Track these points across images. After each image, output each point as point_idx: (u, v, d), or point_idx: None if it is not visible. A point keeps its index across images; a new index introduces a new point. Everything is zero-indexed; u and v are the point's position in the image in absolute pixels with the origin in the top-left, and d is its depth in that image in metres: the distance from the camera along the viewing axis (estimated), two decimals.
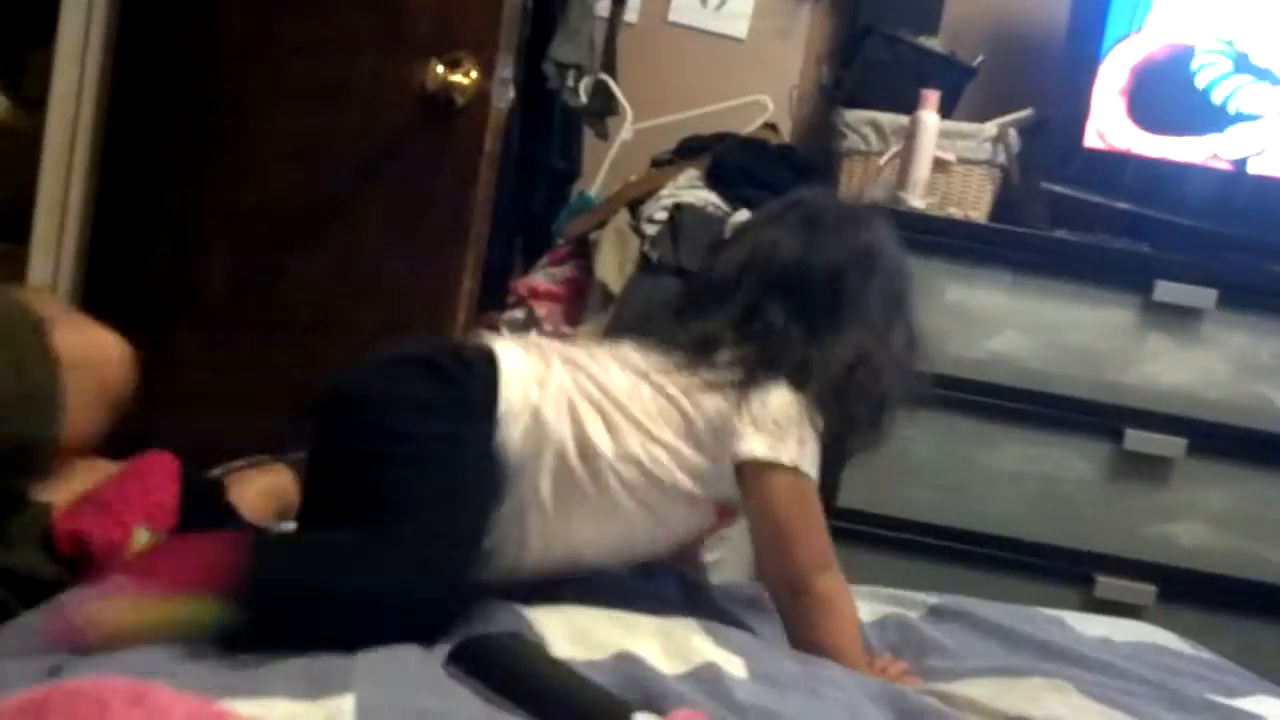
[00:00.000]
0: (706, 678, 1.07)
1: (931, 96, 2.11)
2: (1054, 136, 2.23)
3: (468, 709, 0.93)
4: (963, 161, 2.22)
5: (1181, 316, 2.07)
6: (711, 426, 1.25)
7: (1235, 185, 2.18)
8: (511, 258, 2.47)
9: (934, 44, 2.40)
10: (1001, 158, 2.23)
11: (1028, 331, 2.08)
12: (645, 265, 2.18)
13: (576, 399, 1.24)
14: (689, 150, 2.36)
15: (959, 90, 2.34)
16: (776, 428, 1.24)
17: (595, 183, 2.47)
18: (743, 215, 2.19)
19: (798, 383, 1.26)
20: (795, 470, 1.23)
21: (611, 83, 2.47)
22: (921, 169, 2.10)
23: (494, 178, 2.01)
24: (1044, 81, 2.34)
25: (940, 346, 2.08)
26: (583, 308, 2.22)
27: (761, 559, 1.28)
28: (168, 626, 1.00)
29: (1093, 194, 2.15)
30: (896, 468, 2.08)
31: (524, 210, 2.44)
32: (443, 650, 1.02)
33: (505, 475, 1.20)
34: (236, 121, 2.04)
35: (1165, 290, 2.06)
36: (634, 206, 2.26)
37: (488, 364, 1.23)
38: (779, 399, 1.25)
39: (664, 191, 2.24)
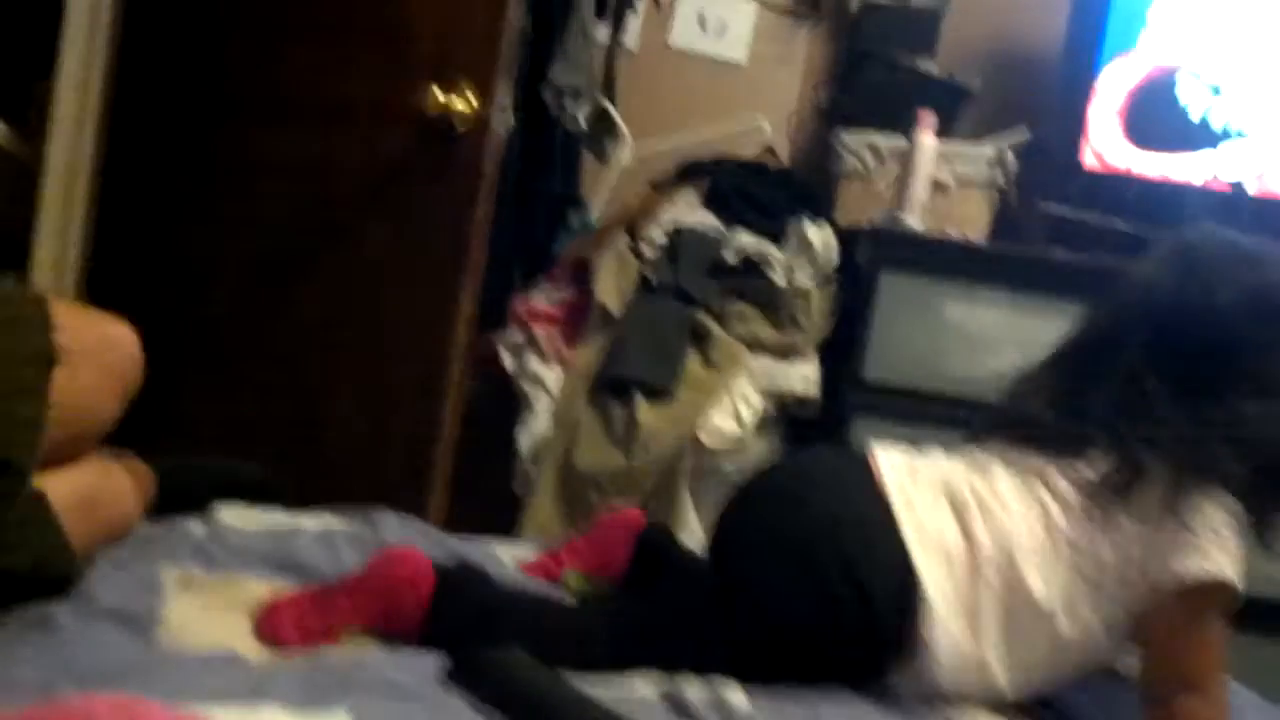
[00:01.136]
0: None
1: (928, 118, 2.13)
2: (1051, 157, 2.24)
3: None
4: (961, 183, 2.23)
5: None
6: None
7: (1233, 206, 2.19)
8: (511, 280, 2.48)
9: (931, 66, 2.42)
10: (999, 178, 2.24)
11: (1028, 350, 2.07)
12: (644, 287, 2.19)
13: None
14: (688, 173, 2.37)
15: (956, 112, 2.35)
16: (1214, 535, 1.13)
17: (595, 206, 2.48)
18: (740, 236, 2.21)
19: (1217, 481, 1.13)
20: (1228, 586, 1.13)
21: (610, 107, 2.48)
22: (919, 190, 2.11)
23: (493, 202, 2.02)
24: (1041, 102, 2.36)
25: (941, 366, 2.11)
26: (582, 329, 2.23)
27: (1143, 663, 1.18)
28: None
29: (1091, 214, 2.15)
30: None
31: (523, 234, 2.45)
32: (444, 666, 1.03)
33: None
34: (237, 147, 2.05)
35: None
36: (633, 229, 2.28)
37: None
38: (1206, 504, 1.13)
39: (663, 214, 2.26)
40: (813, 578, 1.12)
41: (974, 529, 1.16)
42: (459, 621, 1.08)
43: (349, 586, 1.11)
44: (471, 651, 1.00)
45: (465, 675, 0.98)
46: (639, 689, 1.08)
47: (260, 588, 1.16)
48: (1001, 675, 1.15)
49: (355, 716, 0.91)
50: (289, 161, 2.04)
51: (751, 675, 1.10)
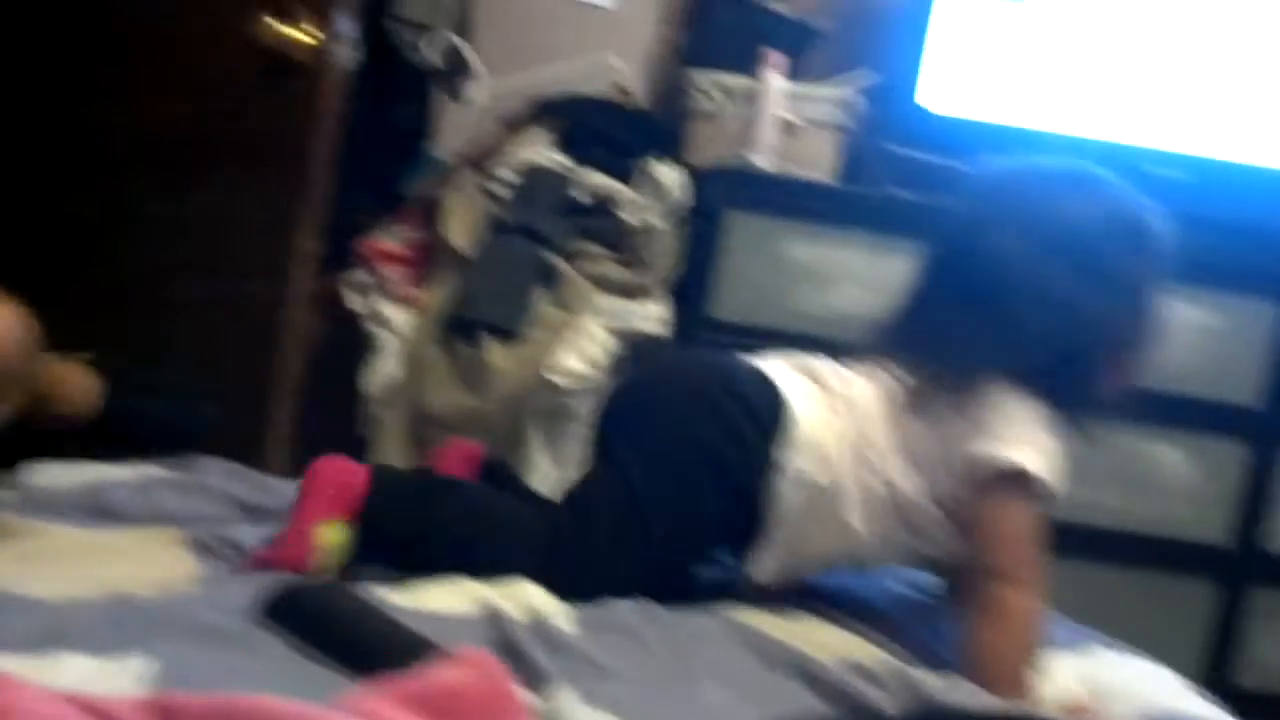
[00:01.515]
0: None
1: (775, 58, 2.13)
2: (895, 98, 2.27)
3: (277, 663, 0.92)
4: (809, 123, 2.24)
5: None
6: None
7: (1068, 149, 2.24)
8: (360, 220, 2.43)
9: (782, 7, 2.42)
10: (845, 119, 2.26)
11: (868, 288, 2.11)
12: (494, 227, 2.17)
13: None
14: (540, 112, 2.34)
15: (806, 53, 2.36)
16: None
17: (446, 144, 2.44)
18: (591, 175, 2.19)
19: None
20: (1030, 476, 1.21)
21: (463, 43, 2.44)
22: (766, 131, 2.12)
23: (336, 138, 1.98)
24: (887, 43, 2.38)
25: (788, 304, 2.14)
26: (431, 270, 2.20)
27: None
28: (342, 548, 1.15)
29: (932, 155, 2.19)
30: None
31: (373, 172, 2.40)
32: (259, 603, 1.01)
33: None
34: (69, 83, 1.97)
35: None
36: (483, 168, 2.25)
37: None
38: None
39: (512, 151, 2.23)
40: (700, 399, 1.26)
41: (829, 384, 1.30)
42: (397, 501, 1.20)
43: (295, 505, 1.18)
44: (287, 588, 0.99)
45: (280, 612, 0.97)
46: (462, 604, 1.10)
47: (71, 535, 1.13)
48: (855, 515, 1.25)
49: (157, 661, 0.88)
50: (119, 97, 1.97)
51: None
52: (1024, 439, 1.21)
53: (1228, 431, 2.19)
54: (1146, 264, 1.29)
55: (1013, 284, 1.23)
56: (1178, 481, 2.19)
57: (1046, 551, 1.24)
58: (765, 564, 1.28)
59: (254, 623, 0.98)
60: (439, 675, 0.59)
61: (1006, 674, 1.17)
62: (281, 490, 1.33)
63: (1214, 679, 2.17)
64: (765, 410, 1.25)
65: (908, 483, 1.26)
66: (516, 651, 1.03)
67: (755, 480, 1.25)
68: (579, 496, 1.27)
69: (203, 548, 1.14)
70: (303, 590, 0.98)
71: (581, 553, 1.22)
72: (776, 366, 1.31)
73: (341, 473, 1.19)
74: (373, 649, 0.87)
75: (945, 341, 1.26)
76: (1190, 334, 2.16)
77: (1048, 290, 1.23)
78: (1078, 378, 1.25)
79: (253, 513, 1.25)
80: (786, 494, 1.25)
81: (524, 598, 1.14)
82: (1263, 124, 2.28)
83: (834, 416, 1.27)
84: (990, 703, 1.07)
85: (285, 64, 1.88)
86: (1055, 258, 1.24)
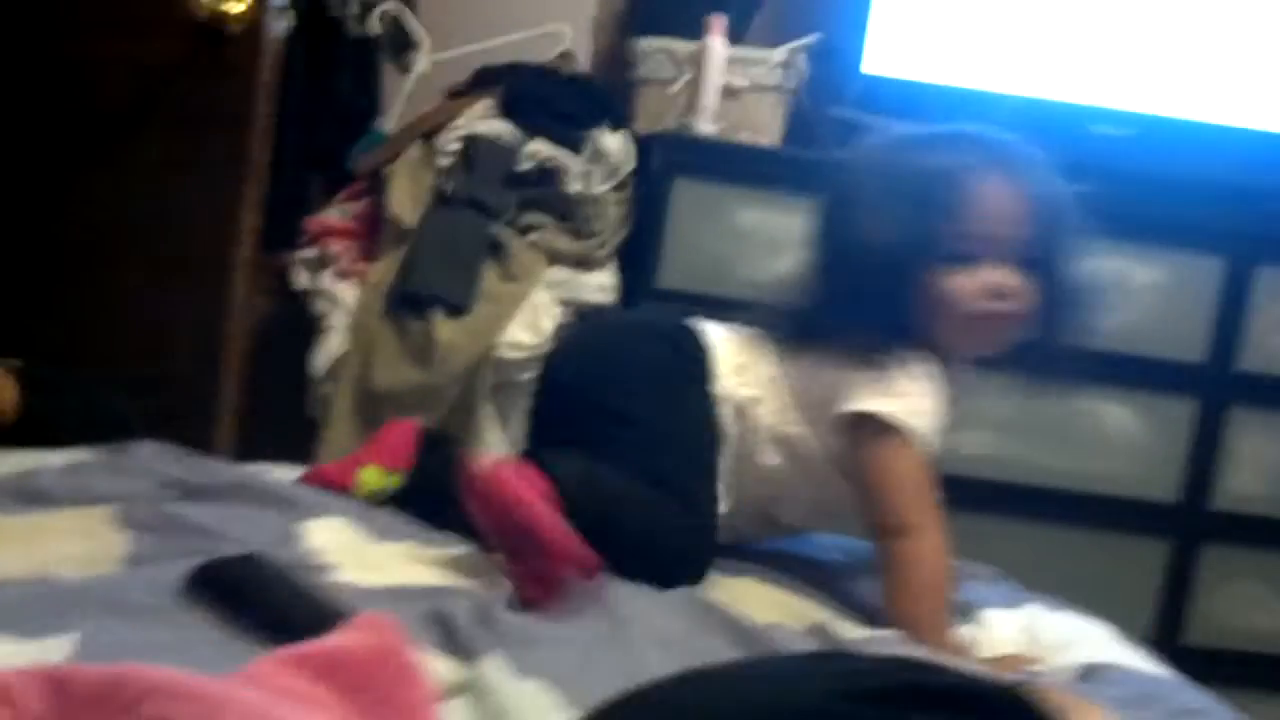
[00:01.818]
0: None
1: (718, 22, 2.12)
2: (839, 62, 2.26)
3: (198, 637, 0.91)
4: (754, 87, 2.23)
5: None
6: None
7: (1012, 108, 2.24)
8: (307, 195, 2.40)
9: None
10: (791, 83, 2.25)
11: None
12: (439, 198, 2.15)
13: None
14: (483, 81, 2.32)
15: (750, 16, 2.35)
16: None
17: (392, 116, 2.41)
18: (536, 145, 2.18)
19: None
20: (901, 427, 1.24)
21: (406, 13, 2.41)
22: (710, 96, 2.11)
23: (273, 110, 1.95)
24: (831, 6, 2.37)
25: (734, 271, 2.13)
26: (377, 243, 2.18)
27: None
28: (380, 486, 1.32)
29: (878, 118, 2.18)
30: None
31: (317, 146, 2.38)
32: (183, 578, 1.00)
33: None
34: (10, 56, 1.94)
35: None
36: (428, 139, 2.22)
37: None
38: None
39: (458, 123, 2.21)
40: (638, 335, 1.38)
41: (742, 341, 1.36)
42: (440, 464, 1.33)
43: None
44: (211, 561, 0.98)
45: (205, 585, 0.96)
46: (408, 576, 1.09)
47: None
48: (768, 451, 1.30)
49: (83, 641, 0.87)
50: (51, 70, 1.93)
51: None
52: (889, 390, 1.25)
53: (1176, 389, 2.20)
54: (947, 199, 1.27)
55: (839, 240, 1.31)
56: (1127, 440, 2.20)
57: (937, 496, 1.26)
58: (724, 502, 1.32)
59: (179, 598, 0.97)
60: (333, 640, 0.58)
61: (918, 626, 1.19)
62: (217, 469, 1.31)
63: (1165, 637, 2.19)
64: (692, 348, 1.33)
65: (807, 440, 1.30)
66: (449, 623, 1.02)
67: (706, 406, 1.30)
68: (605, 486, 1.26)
69: (134, 524, 1.12)
70: (226, 564, 0.97)
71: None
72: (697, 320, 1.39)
73: (401, 431, 1.39)
74: (289, 619, 0.86)
75: (816, 306, 1.32)
76: (1138, 292, 2.17)
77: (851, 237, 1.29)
78: (902, 312, 1.28)
79: (187, 490, 1.24)
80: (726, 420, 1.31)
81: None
82: (1207, 79, 2.29)
83: (748, 365, 1.33)
84: (903, 652, 1.07)
85: (218, 35, 1.85)
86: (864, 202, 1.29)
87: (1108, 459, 2.19)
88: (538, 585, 1.10)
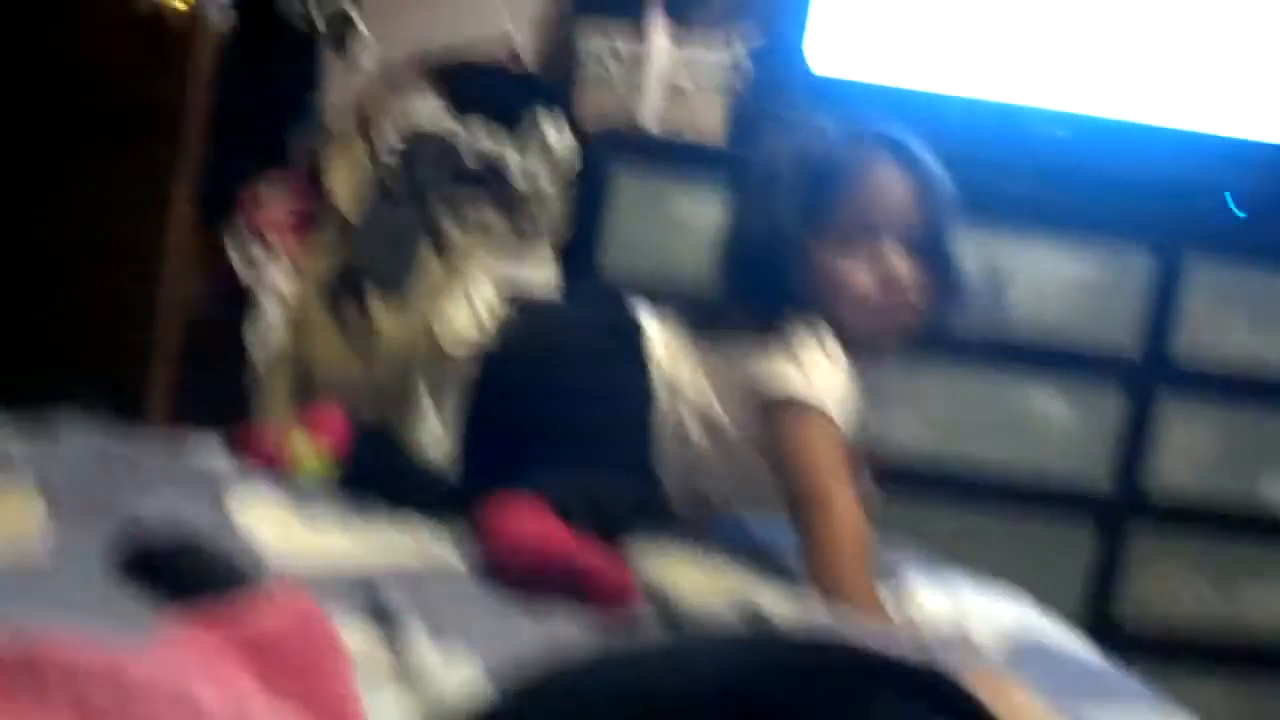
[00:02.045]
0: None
1: (660, 20, 2.13)
2: (782, 60, 2.28)
3: (123, 611, 0.90)
4: (698, 86, 2.25)
5: None
6: None
7: (956, 109, 2.28)
8: (246, 186, 2.39)
9: None
10: (733, 82, 2.27)
11: None
12: (379, 190, 2.15)
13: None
14: (427, 74, 2.32)
15: (694, 14, 2.36)
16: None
17: (334, 108, 2.41)
18: (479, 138, 2.18)
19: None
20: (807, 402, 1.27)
21: (350, 6, 2.40)
22: (653, 93, 2.12)
23: (211, 101, 1.95)
24: (773, 4, 2.39)
25: (676, 267, 2.14)
26: (316, 233, 2.18)
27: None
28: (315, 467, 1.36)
29: (820, 118, 2.20)
30: None
31: (258, 135, 2.37)
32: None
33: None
34: None
35: None
36: (369, 129, 2.22)
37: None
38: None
39: (399, 114, 2.21)
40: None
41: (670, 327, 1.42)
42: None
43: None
44: (135, 537, 0.98)
45: (130, 563, 0.96)
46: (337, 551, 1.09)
47: None
48: (695, 430, 1.34)
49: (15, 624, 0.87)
50: None
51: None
52: (793, 369, 1.28)
53: (1107, 380, 2.24)
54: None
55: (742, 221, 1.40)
56: (1057, 430, 2.24)
57: (848, 471, 1.29)
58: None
59: (102, 571, 0.97)
60: (249, 609, 0.59)
61: (841, 588, 1.21)
62: (144, 443, 1.31)
63: (1095, 622, 2.23)
64: (628, 329, 1.39)
65: (725, 421, 1.34)
66: (372, 594, 1.04)
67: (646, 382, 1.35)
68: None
69: (55, 498, 1.12)
70: (153, 538, 0.97)
71: None
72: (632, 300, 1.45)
73: (331, 414, 1.48)
74: (210, 592, 0.86)
75: (722, 290, 1.41)
76: (1070, 284, 2.21)
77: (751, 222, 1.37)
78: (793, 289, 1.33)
79: (111, 462, 1.23)
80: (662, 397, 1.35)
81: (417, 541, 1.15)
82: (1142, 82, 2.33)
83: (675, 349, 1.37)
84: (825, 628, 1.09)
85: (158, 28, 1.85)
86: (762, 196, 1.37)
87: (1039, 448, 2.23)
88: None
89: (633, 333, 1.37)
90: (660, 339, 1.37)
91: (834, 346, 1.31)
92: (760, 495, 1.37)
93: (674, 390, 1.35)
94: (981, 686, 0.67)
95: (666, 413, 1.34)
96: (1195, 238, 2.25)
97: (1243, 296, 2.28)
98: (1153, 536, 2.29)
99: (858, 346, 1.33)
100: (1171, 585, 2.31)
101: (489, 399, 1.42)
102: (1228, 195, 2.32)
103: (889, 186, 1.33)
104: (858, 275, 1.31)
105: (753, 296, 1.34)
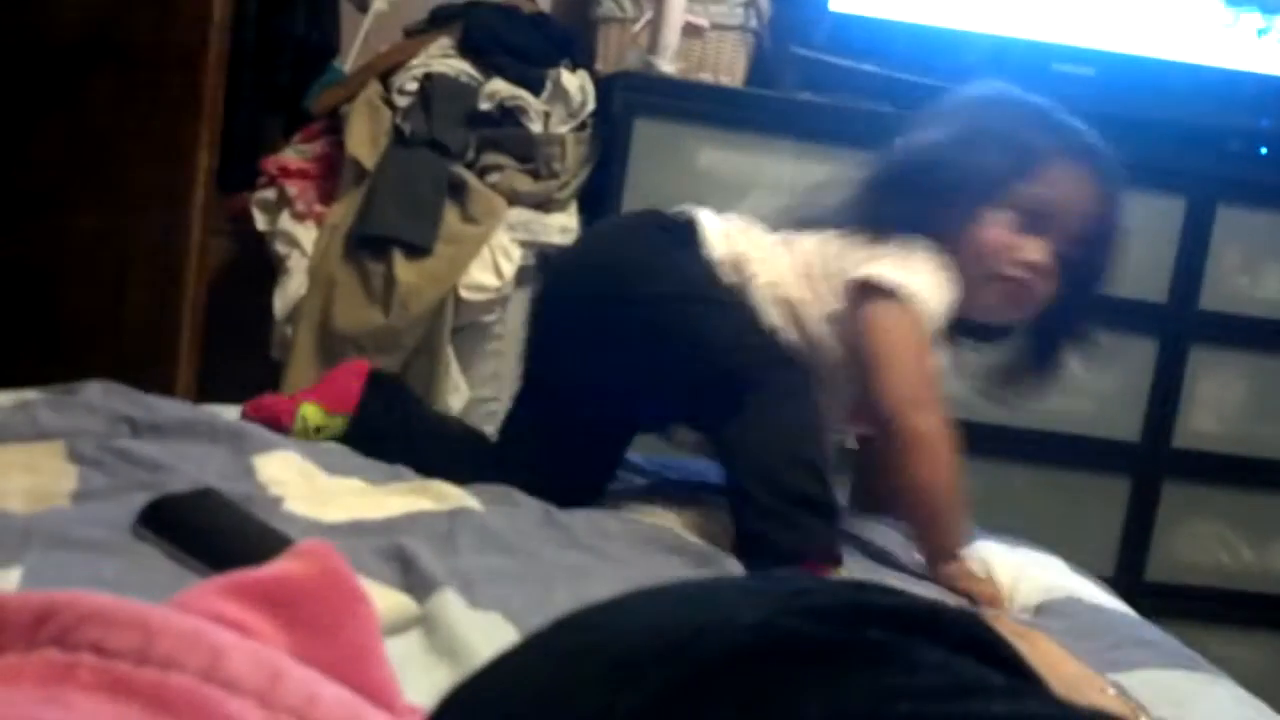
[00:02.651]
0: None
1: None
2: (802, 1, 2.24)
3: (149, 572, 0.90)
4: (715, 27, 2.21)
5: None
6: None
7: (978, 46, 2.23)
8: (264, 136, 2.37)
9: None
10: (754, 22, 2.23)
11: (780, 193, 2.10)
12: (398, 138, 2.12)
13: None
14: (442, 19, 2.28)
15: None
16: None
17: (349, 55, 2.38)
18: (496, 84, 2.15)
19: None
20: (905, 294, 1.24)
21: None
22: (671, 34, 2.08)
23: (227, 48, 1.92)
24: None
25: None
26: (336, 184, 2.16)
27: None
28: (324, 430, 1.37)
29: (840, 57, 2.17)
30: None
31: (276, 86, 2.34)
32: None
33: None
34: None
35: None
36: (386, 78, 2.19)
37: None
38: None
39: (415, 62, 2.18)
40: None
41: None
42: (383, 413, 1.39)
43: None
44: (161, 497, 0.97)
45: (154, 520, 0.95)
46: (364, 510, 1.09)
47: None
48: (769, 310, 1.30)
49: (29, 573, 0.87)
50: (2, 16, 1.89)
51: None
52: (901, 263, 1.26)
53: (1138, 328, 2.21)
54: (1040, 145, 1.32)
55: (923, 163, 1.32)
56: (1090, 380, 2.21)
57: (939, 382, 1.27)
58: None
59: (127, 532, 0.96)
60: (270, 568, 0.57)
61: (936, 499, 1.21)
62: (167, 408, 1.30)
63: (1127, 573, 2.22)
64: (675, 224, 1.37)
65: (807, 304, 1.30)
66: (405, 557, 1.02)
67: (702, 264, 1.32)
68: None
69: (82, 459, 1.11)
70: (176, 499, 0.96)
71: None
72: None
73: (349, 373, 1.43)
74: (236, 552, 0.85)
75: (871, 211, 1.33)
76: None
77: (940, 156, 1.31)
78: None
79: (137, 427, 1.23)
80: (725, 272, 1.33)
81: (444, 498, 1.15)
82: (1168, 17, 2.28)
83: (737, 234, 1.36)
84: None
85: None
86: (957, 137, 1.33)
87: (1070, 398, 2.20)
88: None
89: (678, 226, 1.35)
90: (715, 226, 1.36)
91: (950, 269, 1.29)
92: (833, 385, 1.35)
93: (739, 266, 1.32)
94: (1013, 636, 0.65)
95: (731, 283, 1.31)
96: (1227, 183, 2.21)
97: (1272, 242, 2.24)
98: (1184, 485, 2.26)
99: (972, 312, 1.32)
100: (1201, 534, 2.29)
101: (550, 318, 1.42)
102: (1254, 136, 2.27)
103: (1072, 185, 1.31)
104: (999, 249, 1.29)
105: (901, 215, 1.30)
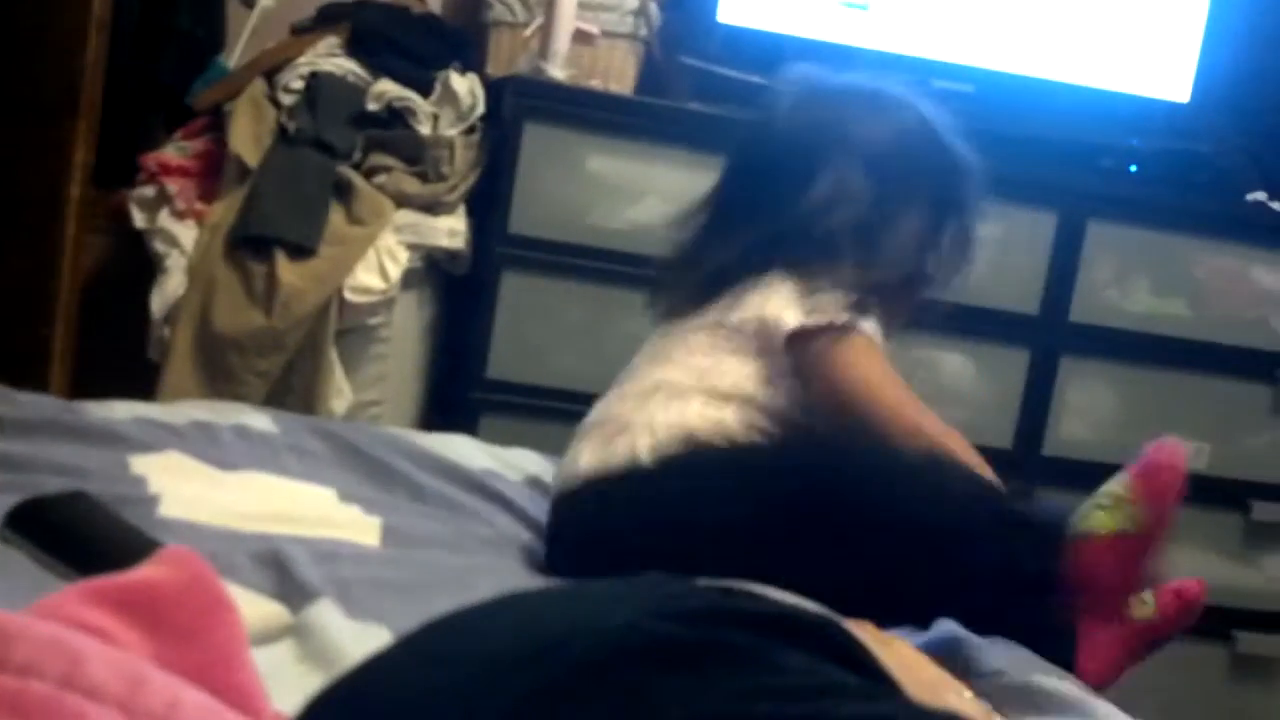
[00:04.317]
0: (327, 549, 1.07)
1: None
2: (693, 10, 2.27)
3: (12, 577, 0.88)
4: (606, 34, 2.22)
5: None
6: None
7: (861, 61, 2.28)
8: (145, 132, 2.32)
9: None
10: (644, 31, 2.25)
11: (669, 201, 2.11)
12: (282, 137, 2.10)
13: None
14: (329, 17, 2.26)
15: None
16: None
17: (234, 51, 2.34)
18: (384, 85, 2.14)
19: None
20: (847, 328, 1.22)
21: None
22: (562, 40, 2.09)
23: (106, 44, 1.88)
24: None
25: (585, 218, 2.13)
26: (218, 182, 2.12)
27: None
28: None
29: (729, 69, 2.19)
30: (543, 337, 2.10)
31: (158, 82, 2.29)
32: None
33: None
34: None
35: None
36: (271, 76, 2.16)
37: None
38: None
39: (302, 60, 2.15)
40: None
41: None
42: None
43: None
44: (29, 500, 0.95)
45: (22, 525, 0.93)
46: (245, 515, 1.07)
47: None
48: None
49: None
50: None
51: None
52: (809, 301, 1.25)
53: (1010, 339, 2.27)
54: (932, 172, 1.38)
55: (799, 181, 1.30)
56: (963, 389, 2.27)
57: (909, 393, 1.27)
58: None
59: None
60: (134, 573, 0.56)
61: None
62: (37, 405, 1.27)
63: None
64: None
65: (761, 392, 1.26)
66: (281, 563, 1.01)
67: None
68: None
69: None
70: (44, 501, 0.94)
71: None
72: None
73: None
74: (104, 555, 0.83)
75: (735, 239, 1.31)
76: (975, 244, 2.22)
77: (833, 185, 1.30)
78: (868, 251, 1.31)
79: (3, 425, 1.19)
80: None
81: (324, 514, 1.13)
82: (1045, 37, 2.35)
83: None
84: None
85: None
86: (844, 161, 1.32)
87: (944, 406, 2.24)
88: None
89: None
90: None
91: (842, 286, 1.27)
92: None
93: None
94: (874, 644, 0.67)
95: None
96: (1098, 198, 2.28)
97: (1141, 257, 2.32)
98: (1054, 492, 2.32)
99: (893, 318, 1.33)
100: None
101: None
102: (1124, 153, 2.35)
103: (975, 171, 1.37)
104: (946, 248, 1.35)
105: (798, 245, 1.27)
